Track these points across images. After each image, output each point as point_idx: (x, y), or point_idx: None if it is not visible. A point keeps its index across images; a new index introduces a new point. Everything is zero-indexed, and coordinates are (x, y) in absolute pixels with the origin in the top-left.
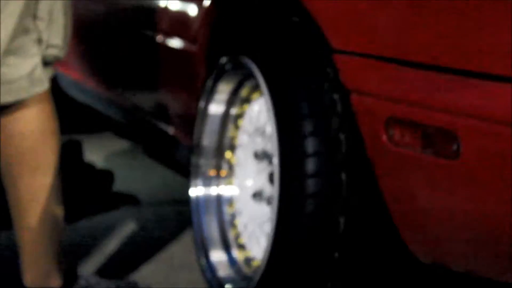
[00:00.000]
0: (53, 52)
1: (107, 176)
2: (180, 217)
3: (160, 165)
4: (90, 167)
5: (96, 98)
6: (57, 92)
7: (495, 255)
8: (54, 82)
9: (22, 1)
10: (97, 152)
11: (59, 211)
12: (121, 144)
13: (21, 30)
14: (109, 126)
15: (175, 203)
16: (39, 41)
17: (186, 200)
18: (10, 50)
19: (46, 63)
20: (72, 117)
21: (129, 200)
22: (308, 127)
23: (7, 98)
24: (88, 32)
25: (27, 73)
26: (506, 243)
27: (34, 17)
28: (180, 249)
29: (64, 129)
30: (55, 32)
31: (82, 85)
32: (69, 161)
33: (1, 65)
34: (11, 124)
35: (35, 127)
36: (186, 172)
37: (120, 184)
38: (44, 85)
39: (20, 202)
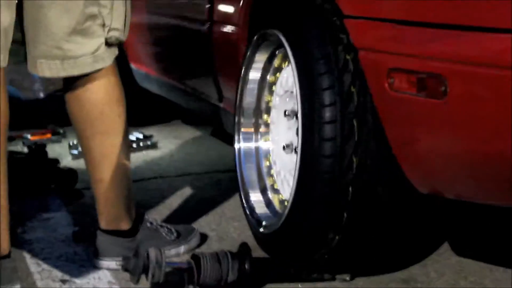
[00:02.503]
0: (115, 34)
1: None
2: (232, 182)
3: (217, 143)
4: None
5: (162, 86)
6: (134, 86)
7: (478, 182)
8: (131, 77)
9: None
10: (168, 137)
11: (127, 166)
12: (187, 129)
13: (88, 15)
14: (178, 115)
15: (229, 171)
16: (103, 25)
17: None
18: (79, 31)
19: (109, 44)
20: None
21: (192, 169)
22: (325, 82)
23: (73, 71)
24: (153, 33)
25: (92, 51)
26: (486, 172)
27: (99, 5)
28: (231, 205)
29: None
30: (116, 18)
31: (151, 76)
32: None
33: (69, 42)
34: (83, 94)
35: (102, 96)
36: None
37: (185, 159)
38: (106, 62)
39: (93, 159)
